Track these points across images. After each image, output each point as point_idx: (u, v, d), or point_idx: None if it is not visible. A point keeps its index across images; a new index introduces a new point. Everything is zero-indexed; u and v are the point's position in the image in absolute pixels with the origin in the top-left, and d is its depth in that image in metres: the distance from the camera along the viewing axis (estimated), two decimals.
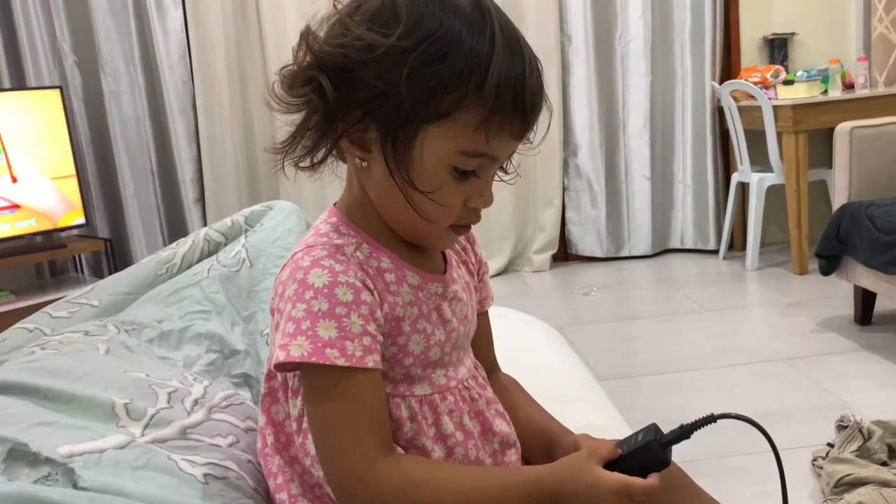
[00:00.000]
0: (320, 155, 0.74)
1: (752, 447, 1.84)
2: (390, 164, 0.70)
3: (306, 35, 0.70)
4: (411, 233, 0.76)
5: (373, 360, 0.69)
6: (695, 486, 0.83)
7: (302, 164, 0.75)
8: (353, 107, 0.69)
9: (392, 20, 0.68)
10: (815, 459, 1.74)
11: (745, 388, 2.26)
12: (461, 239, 0.88)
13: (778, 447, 0.70)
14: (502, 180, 0.81)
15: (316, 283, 0.69)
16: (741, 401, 2.16)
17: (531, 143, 0.77)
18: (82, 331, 0.92)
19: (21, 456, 0.66)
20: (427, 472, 0.70)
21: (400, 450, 0.74)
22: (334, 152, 0.75)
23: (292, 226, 1.32)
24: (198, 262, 1.22)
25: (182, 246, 1.23)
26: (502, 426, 0.83)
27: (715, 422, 0.70)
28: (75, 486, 0.65)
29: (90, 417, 0.73)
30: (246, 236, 1.28)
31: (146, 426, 0.76)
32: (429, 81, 0.67)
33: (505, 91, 0.67)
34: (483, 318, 0.92)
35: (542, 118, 0.73)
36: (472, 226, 0.79)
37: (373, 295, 0.71)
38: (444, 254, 0.84)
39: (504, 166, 0.78)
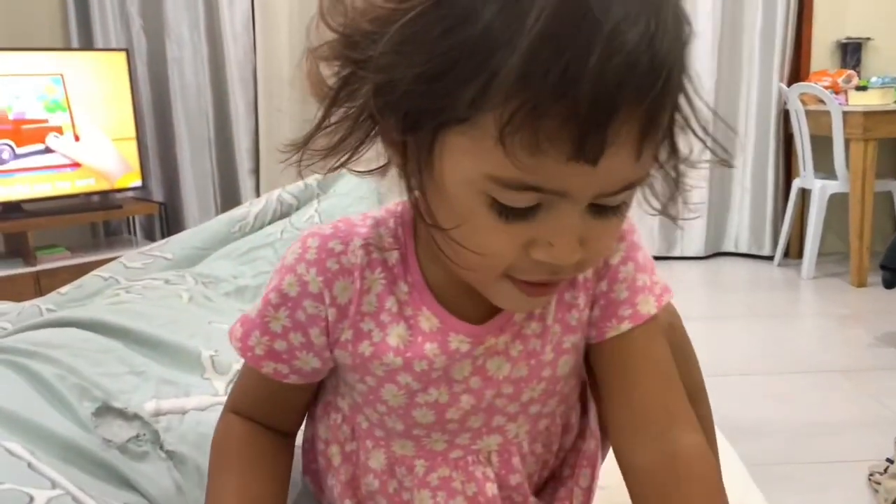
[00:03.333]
0: (351, 154, 0.57)
1: (799, 457, 1.80)
2: (409, 180, 0.52)
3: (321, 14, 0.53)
4: (459, 274, 0.55)
5: (272, 368, 0.61)
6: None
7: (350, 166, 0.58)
8: (368, 97, 0.50)
9: None
10: (871, 474, 1.69)
11: (799, 397, 2.20)
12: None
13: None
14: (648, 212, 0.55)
15: (285, 260, 0.60)
16: (795, 410, 2.11)
17: (659, 164, 0.50)
18: (163, 279, 0.93)
19: (111, 410, 0.67)
20: (230, 450, 0.64)
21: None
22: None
23: (364, 193, 1.31)
24: (270, 223, 1.23)
25: (255, 206, 1.24)
26: None
27: None
28: (161, 448, 0.66)
29: (177, 366, 0.73)
30: (319, 201, 1.28)
31: (230, 381, 0.76)
32: (436, 61, 0.45)
33: (539, 80, 0.42)
34: (610, 349, 0.64)
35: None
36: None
37: (325, 309, 0.59)
38: None
39: (613, 204, 0.50)
